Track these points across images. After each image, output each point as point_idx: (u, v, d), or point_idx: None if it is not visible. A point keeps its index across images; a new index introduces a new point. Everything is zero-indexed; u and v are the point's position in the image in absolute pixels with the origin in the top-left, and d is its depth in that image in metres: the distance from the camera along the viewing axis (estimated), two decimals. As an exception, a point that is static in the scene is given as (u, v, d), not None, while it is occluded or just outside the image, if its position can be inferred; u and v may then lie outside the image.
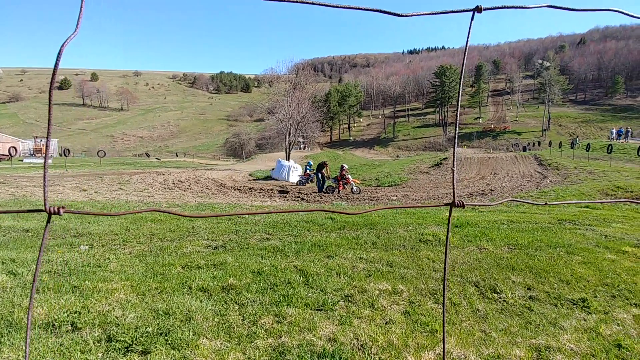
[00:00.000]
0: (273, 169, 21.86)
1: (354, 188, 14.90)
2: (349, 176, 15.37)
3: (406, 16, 0.62)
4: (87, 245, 5.10)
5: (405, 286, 3.53)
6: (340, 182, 14.91)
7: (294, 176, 20.46)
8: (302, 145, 59.31)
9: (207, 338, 2.53)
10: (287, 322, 2.79)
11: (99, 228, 6.16)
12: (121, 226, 6.47)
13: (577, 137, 57.12)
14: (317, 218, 6.68)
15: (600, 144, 31.53)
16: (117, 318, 2.82)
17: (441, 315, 3.01)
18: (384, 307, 3.12)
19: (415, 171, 25.99)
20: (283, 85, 32.40)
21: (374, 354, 2.38)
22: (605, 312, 3.10)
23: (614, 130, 40.04)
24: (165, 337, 2.53)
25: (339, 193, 14.53)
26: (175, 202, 11.04)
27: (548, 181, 15.90)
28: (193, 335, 2.55)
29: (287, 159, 26.92)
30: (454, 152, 0.63)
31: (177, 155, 62.14)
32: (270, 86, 38.99)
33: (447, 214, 7.25)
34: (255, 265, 4.12)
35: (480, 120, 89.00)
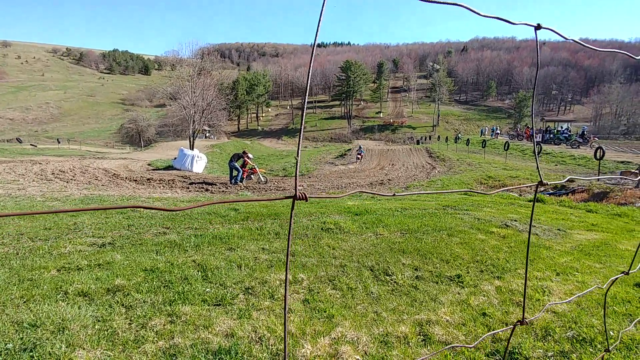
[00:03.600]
0: (175, 159, 20.42)
1: (261, 178, 14.72)
2: (256, 165, 15.09)
3: None
4: None
5: (306, 275, 3.61)
6: (245, 171, 14.47)
7: (198, 166, 19.42)
8: (207, 134, 56.62)
9: (84, 349, 2.24)
10: (181, 322, 2.63)
11: (-56, 229, 5.06)
12: (-23, 225, 5.41)
13: (460, 132, 64.96)
14: (220, 209, 6.44)
15: (477, 139, 36.36)
16: (-35, 336, 2.35)
17: (339, 300, 3.15)
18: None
19: (321, 161, 26.82)
20: (187, 70, 30.31)
21: (271, 345, 2.38)
22: (475, 286, 3.58)
23: (486, 128, 46.65)
24: (31, 353, 2.18)
25: (243, 182, 14.14)
26: (54, 195, 9.61)
27: (436, 171, 17.79)
28: (66, 347, 2.24)
29: (191, 148, 25.42)
30: (298, 147, 0.63)
31: (59, 142, 54.02)
32: (173, 70, 36.14)
33: (349, 202, 7.60)
34: (149, 262, 3.80)
35: (381, 115, 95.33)
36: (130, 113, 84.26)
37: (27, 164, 16.89)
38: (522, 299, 3.31)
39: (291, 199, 0.56)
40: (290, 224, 0.58)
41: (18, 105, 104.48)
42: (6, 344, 2.27)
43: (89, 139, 71.52)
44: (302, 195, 0.57)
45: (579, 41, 0.92)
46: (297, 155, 0.60)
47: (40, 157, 21.59)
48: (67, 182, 12.59)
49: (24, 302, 2.88)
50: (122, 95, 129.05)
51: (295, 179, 0.58)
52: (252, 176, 14.77)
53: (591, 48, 0.99)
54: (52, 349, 2.22)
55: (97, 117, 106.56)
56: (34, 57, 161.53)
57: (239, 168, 14.04)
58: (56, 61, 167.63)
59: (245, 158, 14.35)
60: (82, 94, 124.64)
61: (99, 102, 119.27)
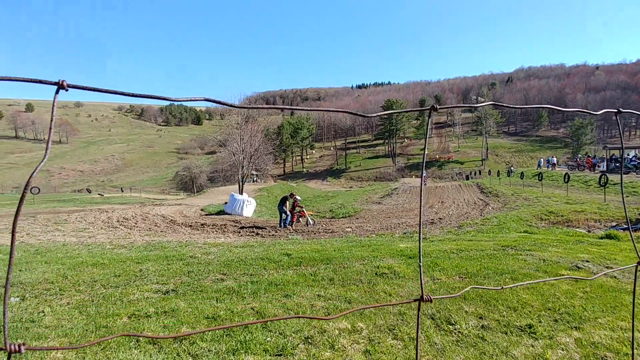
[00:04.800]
0: (226, 203, 21.34)
1: (310, 220, 14.87)
2: (304, 208, 15.34)
3: (371, 117, 0.69)
4: (17, 296, 4.59)
5: (364, 323, 3.53)
6: (295, 214, 14.74)
7: (248, 210, 20.07)
8: (255, 178, 58.71)
9: (158, 398, 2.34)
10: (245, 372, 2.66)
11: (31, 276, 5.59)
12: (57, 273, 5.92)
13: (512, 165, 62.18)
14: (273, 255, 6.56)
15: (532, 172, 34.49)
16: (52, 383, 2.54)
17: (401, 351, 3.03)
18: (345, 347, 3.08)
19: (367, 201, 26.66)
20: (235, 118, 32.22)
21: (336, 400, 2.33)
22: (550, 337, 3.30)
23: (542, 160, 44.10)
24: (110, 401, 2.30)
25: (292, 226, 14.36)
26: (120, 242, 10.33)
27: (490, 208, 16.97)
28: (142, 396, 2.35)
29: (241, 192, 26.45)
30: (420, 244, 0.67)
31: (122, 190, 58.70)
32: (222, 119, 38.73)
33: (401, 245, 7.45)
34: (210, 310, 3.93)
35: (426, 151, 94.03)
36: (184, 161, 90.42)
37: (95, 212, 18.43)
38: (607, 354, 2.99)
39: (417, 302, 0.61)
40: (417, 329, 0.63)
41: (88, 158, 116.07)
42: (88, 392, 2.42)
43: (147, 187, 77.01)
44: (428, 298, 0.62)
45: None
46: (420, 262, 0.66)
47: (106, 206, 23.49)
48: (131, 229, 13.51)
49: (102, 349, 3.07)
50: (177, 144, 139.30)
51: (422, 285, 0.64)
52: (300, 219, 15.00)
53: None
54: (129, 398, 2.33)
55: (155, 166, 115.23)
56: (102, 115, 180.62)
57: (287, 212, 14.35)
58: (121, 117, 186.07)
59: (294, 201, 14.77)
60: (142, 146, 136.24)
61: (157, 152, 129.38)
